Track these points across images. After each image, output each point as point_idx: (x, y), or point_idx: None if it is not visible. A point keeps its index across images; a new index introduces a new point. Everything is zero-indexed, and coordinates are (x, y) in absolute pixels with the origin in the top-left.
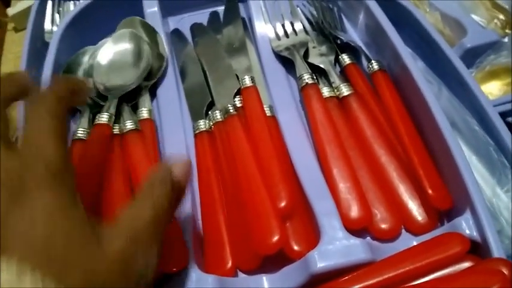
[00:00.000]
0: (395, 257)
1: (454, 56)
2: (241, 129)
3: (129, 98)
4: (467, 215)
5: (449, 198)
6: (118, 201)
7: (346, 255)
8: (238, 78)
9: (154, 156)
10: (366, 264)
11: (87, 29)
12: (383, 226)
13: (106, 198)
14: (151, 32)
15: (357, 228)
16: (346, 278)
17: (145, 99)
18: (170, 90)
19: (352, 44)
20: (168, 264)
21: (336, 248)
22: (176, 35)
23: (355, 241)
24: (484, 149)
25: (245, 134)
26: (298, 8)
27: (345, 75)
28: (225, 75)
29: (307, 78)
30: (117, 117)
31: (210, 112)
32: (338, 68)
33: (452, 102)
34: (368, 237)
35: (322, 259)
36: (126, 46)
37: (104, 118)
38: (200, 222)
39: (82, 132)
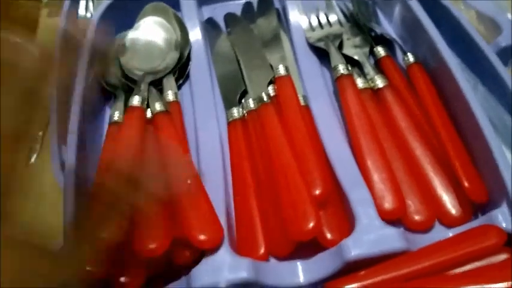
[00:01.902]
0: (431, 247)
1: (491, 53)
2: (276, 118)
3: (155, 83)
4: (504, 207)
5: (485, 191)
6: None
7: (381, 243)
8: (272, 67)
9: (183, 138)
10: (400, 253)
11: (122, 16)
12: (416, 218)
13: None
14: (178, 19)
15: (391, 219)
16: (380, 266)
17: (170, 82)
18: (204, 78)
19: (387, 37)
20: (202, 241)
21: (371, 236)
22: (210, 24)
23: (390, 230)
24: None
25: (279, 122)
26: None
27: (379, 68)
28: (259, 64)
29: (342, 69)
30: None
31: (243, 100)
32: (372, 60)
33: (488, 99)
34: (402, 228)
35: (356, 247)
36: (156, 32)
37: (135, 101)
38: (233, 208)
39: (118, 115)
